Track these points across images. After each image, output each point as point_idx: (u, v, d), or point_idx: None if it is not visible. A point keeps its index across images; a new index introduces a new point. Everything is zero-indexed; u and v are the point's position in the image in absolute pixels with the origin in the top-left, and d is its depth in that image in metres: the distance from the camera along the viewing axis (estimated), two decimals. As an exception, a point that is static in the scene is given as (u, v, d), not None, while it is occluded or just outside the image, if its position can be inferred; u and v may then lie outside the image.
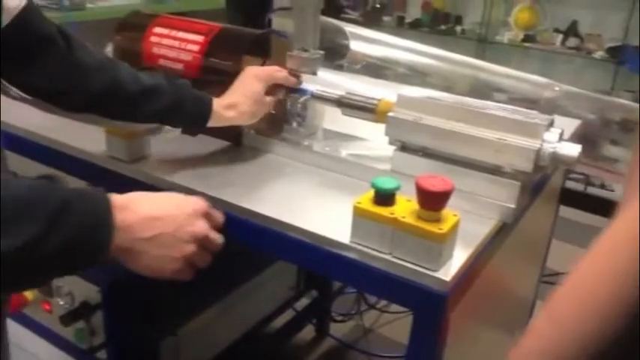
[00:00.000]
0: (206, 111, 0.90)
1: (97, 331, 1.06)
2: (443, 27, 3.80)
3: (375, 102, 0.94)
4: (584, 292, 0.32)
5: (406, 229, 0.69)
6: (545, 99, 1.02)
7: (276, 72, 0.97)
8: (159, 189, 0.90)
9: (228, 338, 1.42)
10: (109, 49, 1.16)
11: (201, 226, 0.71)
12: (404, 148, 0.90)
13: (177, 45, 1.06)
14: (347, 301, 1.86)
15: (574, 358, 0.30)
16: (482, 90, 1.48)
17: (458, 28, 3.75)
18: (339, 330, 1.90)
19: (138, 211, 0.65)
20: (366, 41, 1.18)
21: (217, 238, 0.74)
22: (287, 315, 1.68)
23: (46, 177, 0.58)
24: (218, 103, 0.92)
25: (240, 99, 0.93)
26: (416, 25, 3.87)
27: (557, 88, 1.14)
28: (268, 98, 0.96)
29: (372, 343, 1.86)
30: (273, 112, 1.09)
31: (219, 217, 0.77)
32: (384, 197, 0.72)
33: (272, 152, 1.02)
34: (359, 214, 0.72)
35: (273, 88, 0.97)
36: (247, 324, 1.48)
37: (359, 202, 0.73)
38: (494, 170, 0.81)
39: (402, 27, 3.89)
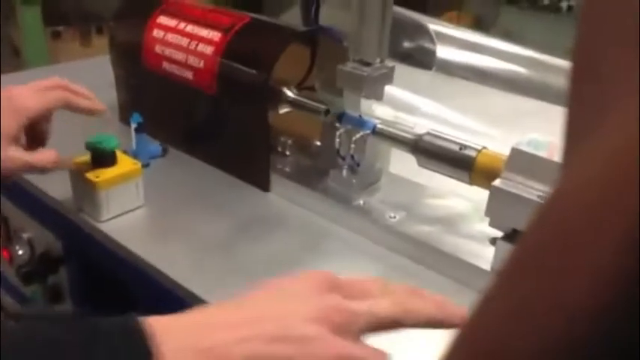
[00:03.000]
0: None
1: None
2: (546, 1, 3.28)
3: (472, 154, 0.59)
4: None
5: None
6: None
7: (59, 96, 0.60)
8: (142, 271, 0.60)
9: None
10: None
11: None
12: (515, 236, 0.55)
13: (186, 44, 0.74)
14: None
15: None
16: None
17: (564, 4, 3.23)
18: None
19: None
20: (447, 42, 0.81)
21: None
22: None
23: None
24: None
25: None
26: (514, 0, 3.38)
27: None
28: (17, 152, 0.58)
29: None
30: (319, 143, 0.77)
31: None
32: None
33: (310, 209, 0.70)
34: None
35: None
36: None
37: None
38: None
39: (499, 2, 3.40)
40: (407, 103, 0.85)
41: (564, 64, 1.14)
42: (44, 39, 2.32)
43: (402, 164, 0.73)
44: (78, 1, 2.50)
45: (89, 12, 2.55)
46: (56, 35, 2.45)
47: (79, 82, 0.65)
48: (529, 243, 0.18)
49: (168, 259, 0.59)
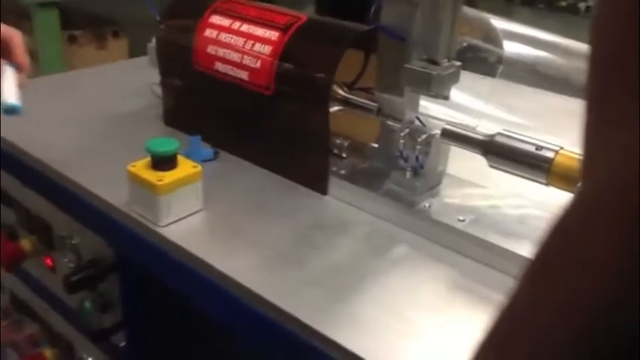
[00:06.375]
0: None
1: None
2: (563, 3, 3.26)
3: (550, 155, 0.57)
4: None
5: None
6: None
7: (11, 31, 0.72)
8: (208, 279, 0.58)
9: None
10: (152, 45, 0.85)
11: None
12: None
13: (241, 44, 0.73)
14: None
15: None
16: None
17: (582, 5, 3.20)
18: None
19: None
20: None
21: None
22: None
23: None
24: None
25: None
26: (529, 1, 3.36)
27: None
28: None
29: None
30: (375, 145, 0.75)
31: None
32: None
33: (371, 212, 0.68)
34: None
35: None
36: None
37: None
38: None
39: (512, 3, 3.38)
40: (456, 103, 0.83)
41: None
42: (60, 43, 2.31)
43: (454, 164, 0.71)
44: (93, 4, 2.49)
45: (103, 16, 2.54)
46: (72, 39, 2.44)
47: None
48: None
49: (237, 267, 0.57)
